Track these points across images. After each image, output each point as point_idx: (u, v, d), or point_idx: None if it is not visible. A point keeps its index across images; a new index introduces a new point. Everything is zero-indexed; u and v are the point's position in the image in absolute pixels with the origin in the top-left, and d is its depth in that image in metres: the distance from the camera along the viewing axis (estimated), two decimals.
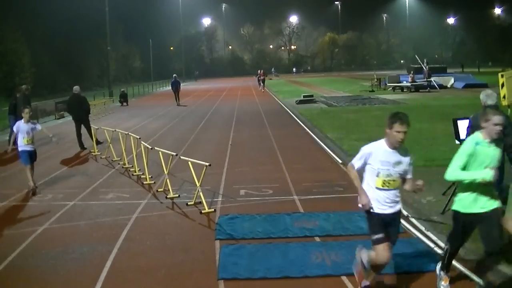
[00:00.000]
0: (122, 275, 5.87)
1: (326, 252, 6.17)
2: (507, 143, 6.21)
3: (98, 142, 14.96)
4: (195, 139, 16.86)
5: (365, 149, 4.76)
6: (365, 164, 4.75)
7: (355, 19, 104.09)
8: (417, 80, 36.20)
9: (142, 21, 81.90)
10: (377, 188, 4.72)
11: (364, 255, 4.87)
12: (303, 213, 7.92)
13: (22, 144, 9.83)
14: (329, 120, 19.84)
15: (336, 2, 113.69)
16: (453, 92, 33.68)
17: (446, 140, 12.81)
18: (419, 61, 37.66)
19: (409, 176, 4.81)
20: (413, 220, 7.35)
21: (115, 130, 13.45)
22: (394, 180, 4.68)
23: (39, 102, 26.83)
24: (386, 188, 4.70)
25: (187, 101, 34.68)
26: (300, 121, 20.49)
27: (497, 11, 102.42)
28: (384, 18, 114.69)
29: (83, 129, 15.78)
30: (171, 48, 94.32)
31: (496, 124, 4.59)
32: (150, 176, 10.44)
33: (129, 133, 12.24)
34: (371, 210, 4.73)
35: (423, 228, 6.98)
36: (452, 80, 38.50)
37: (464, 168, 4.69)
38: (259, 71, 47.62)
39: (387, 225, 4.75)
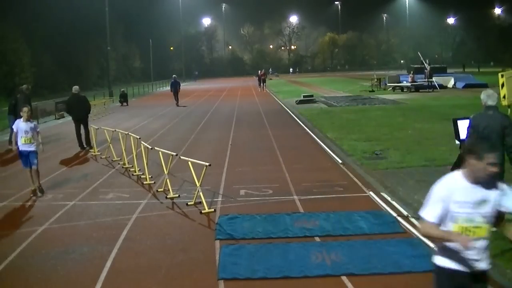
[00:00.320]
0: (122, 275, 5.88)
1: (326, 252, 6.18)
2: (508, 143, 6.21)
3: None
4: (195, 139, 16.85)
5: (439, 191, 3.45)
6: (446, 212, 3.41)
7: (355, 19, 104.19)
8: (417, 80, 36.22)
9: (142, 21, 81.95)
10: None
11: None
12: (303, 213, 7.92)
13: (21, 143, 9.73)
14: (329, 120, 19.83)
15: (336, 2, 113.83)
16: (453, 92, 33.66)
17: (446, 140, 12.82)
18: (422, 59, 37.49)
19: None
20: (413, 220, 7.35)
21: (115, 130, 13.45)
22: (478, 227, 3.41)
23: (39, 102, 26.79)
24: None
25: (187, 101, 34.65)
26: (300, 121, 20.48)
27: (497, 11, 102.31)
28: (384, 18, 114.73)
29: (83, 129, 15.78)
30: (171, 48, 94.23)
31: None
32: (150, 176, 10.44)
33: (129, 133, 12.25)
34: (440, 265, 3.53)
35: None
36: (453, 80, 38.47)
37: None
38: (259, 71, 47.69)
39: None
